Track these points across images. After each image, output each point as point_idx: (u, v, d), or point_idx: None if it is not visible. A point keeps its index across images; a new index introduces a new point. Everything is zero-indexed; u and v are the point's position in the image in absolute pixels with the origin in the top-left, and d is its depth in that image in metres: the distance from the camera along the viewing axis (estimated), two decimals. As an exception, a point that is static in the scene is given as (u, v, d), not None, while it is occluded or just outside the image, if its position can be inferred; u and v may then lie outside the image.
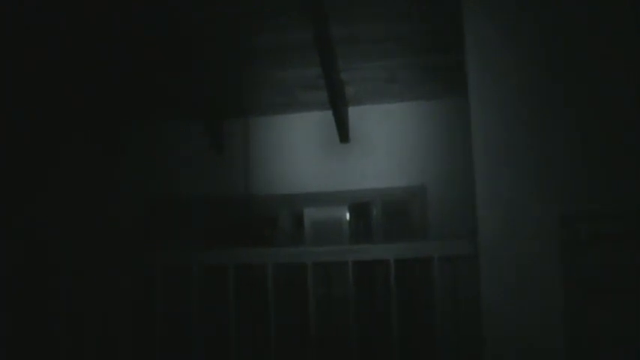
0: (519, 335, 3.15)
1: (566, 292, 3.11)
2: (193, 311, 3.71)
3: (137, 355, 3.82)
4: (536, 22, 3.26)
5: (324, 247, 4.17)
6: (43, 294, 3.95)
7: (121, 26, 5.44)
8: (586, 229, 3.12)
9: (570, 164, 3.16)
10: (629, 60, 3.15)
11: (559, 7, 3.24)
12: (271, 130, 6.38)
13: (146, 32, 5.48)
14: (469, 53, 3.32)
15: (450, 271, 3.89)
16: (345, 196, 6.23)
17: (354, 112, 6.19)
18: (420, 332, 5.34)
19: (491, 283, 3.18)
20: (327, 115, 6.02)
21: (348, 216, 6.32)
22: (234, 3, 5.20)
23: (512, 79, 3.26)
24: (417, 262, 4.09)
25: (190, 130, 6.40)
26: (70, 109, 6.30)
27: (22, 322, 4.05)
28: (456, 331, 3.79)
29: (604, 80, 3.17)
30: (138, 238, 6.32)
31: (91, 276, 3.82)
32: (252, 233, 6.53)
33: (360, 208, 6.29)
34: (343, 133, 6.10)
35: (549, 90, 3.22)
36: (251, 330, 5.00)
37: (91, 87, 6.07)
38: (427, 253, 3.58)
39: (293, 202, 6.37)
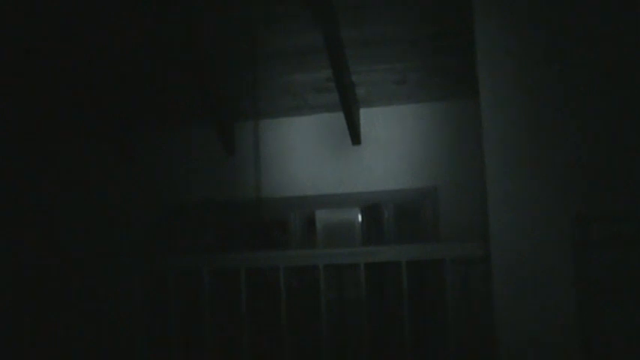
0: (532, 336, 3.14)
1: (579, 293, 3.11)
2: (205, 314, 3.72)
3: (149, 357, 3.84)
4: (547, 23, 3.25)
5: (336, 249, 4.18)
6: (53, 297, 3.97)
7: (134, 30, 5.47)
8: (598, 230, 3.11)
9: (582, 165, 3.15)
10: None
11: (569, 7, 3.23)
12: (282, 133, 6.39)
13: (157, 35, 5.51)
14: (479, 54, 3.32)
15: (462, 272, 3.89)
16: (356, 198, 6.24)
17: (365, 114, 6.19)
18: (431, 334, 5.33)
19: (503, 284, 3.18)
20: (339, 117, 6.03)
21: (359, 218, 6.32)
22: (244, 6, 5.21)
23: (522, 80, 3.25)
24: (429, 264, 4.08)
25: (201, 133, 6.42)
26: (82, 113, 6.33)
27: (31, 324, 4.07)
28: (468, 332, 3.79)
29: (617, 80, 3.16)
30: (150, 242, 6.34)
31: (103, 279, 3.83)
32: (264, 236, 6.54)
33: (372, 209, 6.29)
34: (355, 135, 6.10)
35: (560, 90, 3.22)
36: (263, 332, 5.00)
37: (103, 90, 6.10)
38: (439, 255, 3.58)
39: (305, 205, 6.37)
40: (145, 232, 6.40)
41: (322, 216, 6.40)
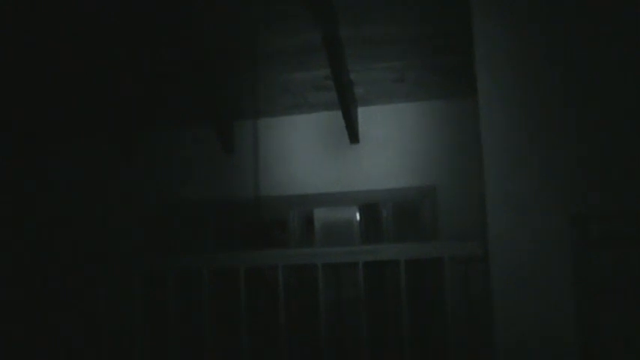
0: (530, 335, 3.14)
1: (578, 293, 3.11)
2: (205, 313, 3.72)
3: (149, 356, 3.84)
4: (546, 21, 3.25)
5: (335, 248, 4.18)
6: (53, 297, 3.98)
7: (134, 29, 5.47)
8: (597, 229, 3.12)
9: (581, 164, 3.15)
10: None
11: (569, 7, 3.23)
12: (281, 132, 6.39)
13: (157, 35, 5.51)
14: (478, 54, 3.32)
15: (461, 271, 3.89)
16: (355, 196, 6.24)
17: (363, 113, 6.19)
18: (430, 333, 5.34)
19: (502, 283, 3.18)
20: (337, 116, 6.03)
21: (358, 217, 6.33)
22: (244, 6, 5.21)
23: (521, 80, 3.25)
24: (428, 263, 4.08)
25: (200, 132, 6.42)
26: (81, 113, 6.33)
27: (31, 323, 4.08)
28: (466, 331, 3.79)
29: (617, 80, 3.17)
30: (149, 241, 6.34)
31: (102, 279, 3.83)
32: (263, 235, 6.54)
33: (370, 208, 6.30)
34: (353, 134, 6.10)
35: (559, 89, 3.22)
36: (263, 331, 5.00)
37: (102, 90, 6.10)
38: (438, 254, 3.58)
39: (303, 203, 6.37)
40: (145, 231, 6.40)
41: (321, 215, 6.40)
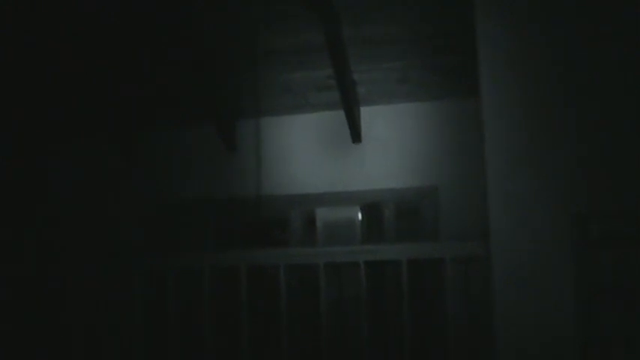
0: (531, 335, 3.14)
1: (579, 293, 3.11)
2: (205, 312, 3.72)
3: (149, 356, 3.84)
4: (546, 21, 3.25)
5: (336, 248, 4.18)
6: (54, 296, 3.98)
7: (134, 29, 5.47)
8: (597, 229, 3.11)
9: (581, 164, 3.15)
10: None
11: (569, 8, 3.23)
12: (283, 131, 6.38)
13: (159, 35, 5.51)
14: (481, 53, 3.32)
15: (462, 271, 3.89)
16: (357, 196, 6.23)
17: (366, 113, 6.18)
18: (431, 333, 5.33)
19: (503, 283, 3.18)
20: (340, 116, 6.02)
21: (360, 216, 6.32)
22: (244, 6, 5.21)
23: (522, 80, 3.25)
24: (429, 263, 4.08)
25: (203, 131, 6.41)
26: (83, 112, 6.33)
27: (31, 324, 4.08)
28: (467, 331, 3.78)
29: (617, 80, 3.16)
30: (149, 241, 6.34)
31: (103, 278, 3.84)
32: (264, 234, 6.53)
33: (372, 208, 6.29)
34: (355, 134, 6.09)
35: (561, 89, 3.22)
36: (263, 330, 5.00)
37: (104, 90, 6.10)
38: (439, 254, 3.58)
39: (305, 203, 6.36)
40: (145, 231, 6.40)
41: (322, 214, 6.39)
